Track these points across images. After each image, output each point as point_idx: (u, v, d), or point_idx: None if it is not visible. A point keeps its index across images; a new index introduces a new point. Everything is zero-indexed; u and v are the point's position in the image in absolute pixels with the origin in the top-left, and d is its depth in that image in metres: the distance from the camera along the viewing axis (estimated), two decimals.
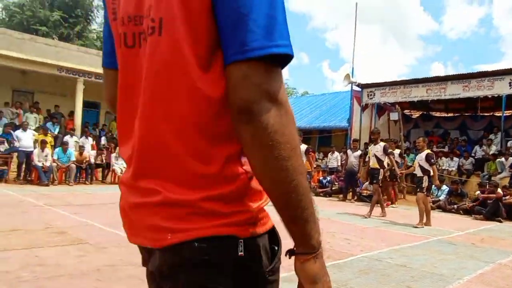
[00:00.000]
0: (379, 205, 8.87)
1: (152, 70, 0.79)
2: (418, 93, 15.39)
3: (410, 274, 4.27)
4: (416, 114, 19.54)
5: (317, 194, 12.82)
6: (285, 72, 0.84)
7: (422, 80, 15.44)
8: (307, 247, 0.80)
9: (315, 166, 14.75)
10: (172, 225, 0.78)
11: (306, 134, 22.08)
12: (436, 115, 19.09)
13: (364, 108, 17.13)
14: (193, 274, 0.79)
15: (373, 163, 8.83)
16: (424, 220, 7.78)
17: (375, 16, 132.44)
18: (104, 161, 13.54)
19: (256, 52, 0.70)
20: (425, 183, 7.82)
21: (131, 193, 0.88)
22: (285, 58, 0.74)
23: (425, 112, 19.01)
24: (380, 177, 8.77)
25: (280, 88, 0.74)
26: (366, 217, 8.47)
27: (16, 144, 11.50)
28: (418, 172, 7.96)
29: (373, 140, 9.42)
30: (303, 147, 10.54)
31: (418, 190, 8.01)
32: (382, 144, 8.91)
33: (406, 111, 18.54)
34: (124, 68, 0.89)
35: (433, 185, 8.58)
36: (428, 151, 8.11)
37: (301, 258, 0.81)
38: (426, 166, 7.81)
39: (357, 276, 4.09)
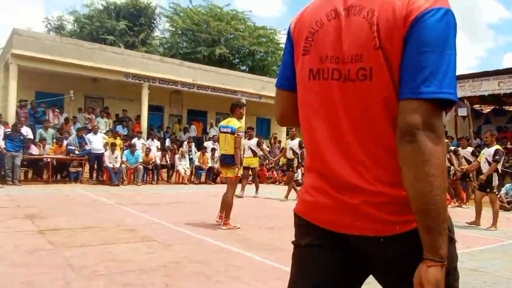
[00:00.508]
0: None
1: (363, 101, 1.07)
2: (489, 87, 14.43)
3: (482, 279, 4.02)
4: (487, 109, 18.30)
5: None
6: None
7: (493, 73, 14.46)
8: (436, 255, 0.96)
9: None
10: (396, 218, 1.04)
11: None
12: (510, 109, 17.75)
13: None
14: (415, 254, 1.00)
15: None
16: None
17: None
18: (168, 162, 14.13)
19: (428, 95, 0.97)
20: (495, 182, 7.29)
21: (343, 192, 1.11)
22: (449, 103, 0.99)
23: (497, 107, 17.75)
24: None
25: (440, 125, 0.99)
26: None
27: (88, 147, 12.35)
28: (485, 169, 7.45)
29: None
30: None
31: (488, 190, 7.45)
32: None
33: (476, 106, 17.42)
34: (315, 94, 1.17)
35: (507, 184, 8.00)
36: (498, 146, 7.54)
37: (429, 263, 0.97)
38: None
39: None
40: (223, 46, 25.59)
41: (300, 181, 14.91)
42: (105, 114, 16.13)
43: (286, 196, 9.96)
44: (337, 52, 1.11)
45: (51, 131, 13.10)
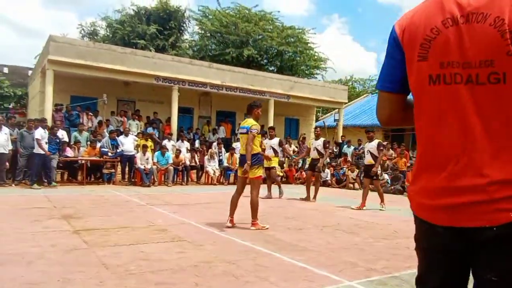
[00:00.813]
0: None
1: (498, 103, 1.15)
2: None
3: None
4: None
5: None
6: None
7: None
8: None
9: (408, 164, 14.05)
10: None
11: (397, 131, 21.12)
12: None
13: None
14: None
15: None
16: None
17: None
18: (198, 163, 14.32)
19: None
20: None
21: (469, 192, 1.18)
22: None
23: None
24: None
25: None
26: None
27: (120, 149, 12.67)
28: None
29: None
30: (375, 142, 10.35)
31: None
32: None
33: None
34: (438, 98, 1.24)
35: None
36: None
37: None
38: None
39: None
40: (251, 47, 25.65)
41: (329, 181, 14.78)
42: (137, 117, 16.50)
43: (314, 197, 9.87)
44: (460, 57, 1.19)
45: (85, 134, 13.54)
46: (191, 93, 18.56)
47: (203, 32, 27.62)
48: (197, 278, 3.60)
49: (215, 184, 13.86)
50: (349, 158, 16.03)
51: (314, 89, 21.35)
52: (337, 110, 22.89)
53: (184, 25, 26.83)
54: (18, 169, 11.04)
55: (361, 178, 12.20)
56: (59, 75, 14.64)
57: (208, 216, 7.15)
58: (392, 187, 13.47)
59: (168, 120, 17.30)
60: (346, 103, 24.23)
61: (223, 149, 15.25)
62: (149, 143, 13.41)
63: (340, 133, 21.31)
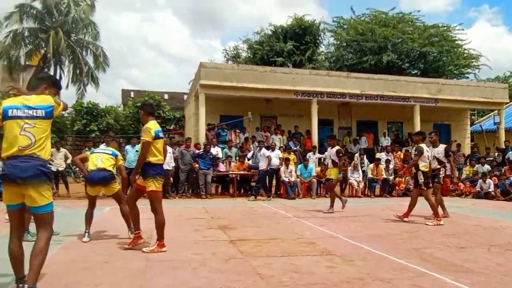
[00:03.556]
0: None
1: None
2: None
3: None
4: None
5: None
6: None
7: None
8: None
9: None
10: None
11: None
12: None
13: None
14: None
15: None
16: None
17: None
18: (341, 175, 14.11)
19: None
20: None
21: None
22: None
23: None
24: None
25: None
26: None
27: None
28: None
29: None
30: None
31: None
32: None
33: None
34: None
35: None
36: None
37: None
38: None
39: None
40: (390, 52, 24.57)
41: (493, 193, 13.02)
42: (279, 131, 17.15)
43: (444, 211, 8.55)
44: None
45: (234, 149, 14.58)
46: (330, 105, 18.55)
47: (338, 42, 27.52)
48: None
49: (359, 197, 13.46)
50: None
51: (466, 90, 19.32)
52: (496, 111, 20.22)
53: (319, 38, 27.11)
54: (180, 183, 12.43)
55: None
56: (210, 97, 16.16)
57: (355, 229, 6.95)
58: None
59: (308, 132, 17.54)
60: (508, 103, 21.27)
61: (365, 160, 14.78)
62: (292, 156, 13.75)
63: (503, 137, 18.69)
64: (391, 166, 14.21)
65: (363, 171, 14.16)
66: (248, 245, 5.46)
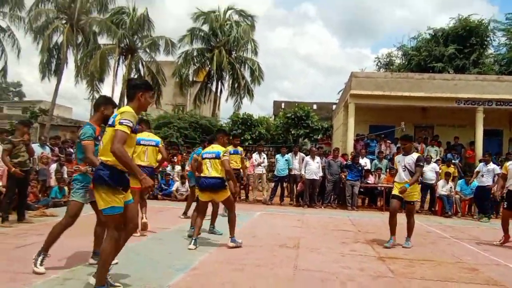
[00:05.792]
0: None
1: None
2: None
3: None
4: None
5: None
6: None
7: None
8: None
9: None
10: None
11: None
12: None
13: None
14: None
15: None
16: None
17: None
18: None
19: None
20: None
21: None
22: None
23: None
24: None
25: None
26: None
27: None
28: None
29: None
30: None
31: None
32: None
33: None
34: None
35: None
36: None
37: None
38: None
39: None
40: None
41: None
42: (435, 142, 15.76)
43: None
44: None
45: (384, 161, 13.92)
46: (498, 113, 16.33)
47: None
48: None
49: None
50: None
51: None
52: None
53: (488, 39, 24.06)
54: (326, 193, 12.41)
55: None
56: (359, 107, 15.81)
57: None
58: None
59: (471, 144, 15.72)
60: None
61: None
62: (452, 169, 12.49)
63: None
64: None
65: None
66: (399, 264, 5.14)
